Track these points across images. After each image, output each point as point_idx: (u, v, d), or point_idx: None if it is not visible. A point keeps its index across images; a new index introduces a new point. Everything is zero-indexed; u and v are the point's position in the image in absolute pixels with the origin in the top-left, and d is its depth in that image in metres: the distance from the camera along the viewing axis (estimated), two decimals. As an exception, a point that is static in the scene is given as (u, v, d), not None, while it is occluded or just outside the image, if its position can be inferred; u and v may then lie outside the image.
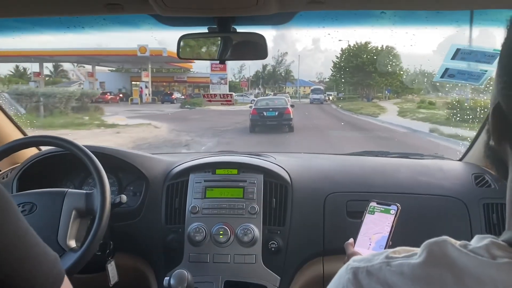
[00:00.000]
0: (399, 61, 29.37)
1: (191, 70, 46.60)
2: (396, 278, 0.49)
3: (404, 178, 1.70)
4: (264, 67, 63.21)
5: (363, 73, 33.92)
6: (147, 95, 34.47)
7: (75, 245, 1.29)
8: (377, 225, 1.09)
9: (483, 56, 1.42)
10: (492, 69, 1.42)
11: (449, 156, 2.09)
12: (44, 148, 1.82)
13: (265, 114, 14.28)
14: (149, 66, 35.40)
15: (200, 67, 37.91)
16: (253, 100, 29.59)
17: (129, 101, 32.83)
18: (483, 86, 1.49)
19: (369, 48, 35.60)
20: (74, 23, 1.37)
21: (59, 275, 0.65)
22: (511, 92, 0.49)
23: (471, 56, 1.44)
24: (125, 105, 29.16)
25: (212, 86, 31.45)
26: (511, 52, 0.50)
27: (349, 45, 37.74)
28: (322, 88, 40.02)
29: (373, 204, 1.13)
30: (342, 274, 0.56)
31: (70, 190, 1.37)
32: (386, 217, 1.10)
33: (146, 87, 35.22)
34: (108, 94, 34.12)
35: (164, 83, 46.96)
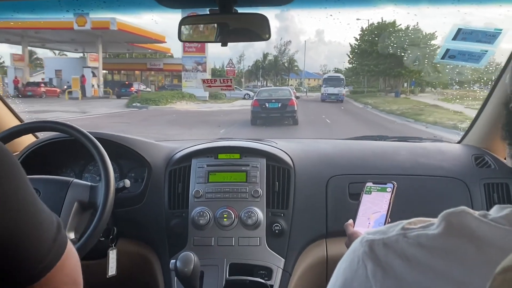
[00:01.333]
0: (429, 43, 23.99)
1: (168, 54, 37.63)
2: (415, 250, 0.48)
3: (404, 160, 1.71)
4: (265, 56, 56.79)
5: (392, 60, 25.72)
6: (95, 86, 26.48)
7: (73, 237, 1.28)
8: (375, 204, 1.10)
9: (484, 36, 1.42)
10: (493, 49, 1.43)
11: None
12: (40, 135, 1.81)
13: (267, 105, 13.42)
14: (100, 46, 27.28)
15: (180, 52, 28.08)
16: (247, 94, 26.49)
17: (65, 95, 23.98)
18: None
19: (397, 27, 28.38)
20: (74, 6, 1.35)
21: (64, 239, 0.67)
22: None
23: (472, 36, 1.44)
24: (61, 101, 21.91)
25: (186, 75, 25.16)
26: None
27: (372, 24, 30.24)
28: (342, 77, 26.29)
29: (369, 184, 1.14)
30: (356, 247, 0.54)
31: (75, 180, 1.36)
32: (383, 196, 1.10)
33: (95, 75, 26.65)
34: (42, 85, 25.34)
35: (136, 72, 37.86)
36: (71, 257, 0.69)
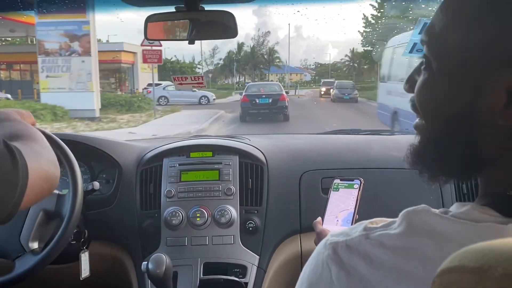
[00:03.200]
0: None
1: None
2: (377, 251, 0.48)
3: (376, 154, 1.74)
4: (240, 46, 48.64)
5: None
6: None
7: (37, 247, 1.25)
8: (342, 202, 1.10)
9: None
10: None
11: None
12: None
13: (257, 101, 12.95)
14: None
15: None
16: (204, 98, 21.22)
17: None
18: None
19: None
20: (45, 8, 1.31)
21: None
22: None
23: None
24: None
25: (45, 64, 13.43)
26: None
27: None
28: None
29: (336, 181, 1.14)
30: (320, 250, 0.55)
31: None
32: (350, 192, 1.11)
33: None
34: None
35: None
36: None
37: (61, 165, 1.64)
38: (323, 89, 28.13)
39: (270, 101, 12.97)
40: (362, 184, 1.09)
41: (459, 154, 0.51)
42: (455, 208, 0.50)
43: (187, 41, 1.34)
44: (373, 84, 27.84)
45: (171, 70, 33.30)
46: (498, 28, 0.45)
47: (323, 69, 54.89)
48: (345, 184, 1.12)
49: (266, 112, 12.79)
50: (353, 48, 49.97)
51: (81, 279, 1.43)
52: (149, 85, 21.23)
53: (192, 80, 1.77)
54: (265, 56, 50.19)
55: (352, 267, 0.49)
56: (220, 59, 50.74)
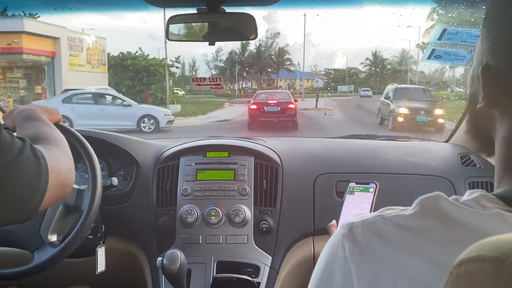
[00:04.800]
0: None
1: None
2: (391, 229, 0.51)
3: (392, 159, 1.73)
4: (244, 47, 40.73)
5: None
6: None
7: (55, 239, 1.28)
8: (357, 205, 1.10)
9: (469, 36, 1.44)
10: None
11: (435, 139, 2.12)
12: None
13: (266, 109, 12.75)
14: None
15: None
16: (148, 118, 12.34)
17: None
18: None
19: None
20: (61, 4, 1.35)
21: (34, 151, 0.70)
22: (500, 46, 0.50)
23: (457, 37, 1.46)
24: None
25: None
26: (500, 5, 0.52)
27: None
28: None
29: (352, 184, 1.14)
30: (338, 231, 0.57)
31: None
32: (365, 196, 1.11)
33: None
34: None
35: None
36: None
37: (81, 161, 1.69)
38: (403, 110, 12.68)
39: (279, 109, 12.79)
40: (377, 188, 1.10)
41: None
42: (466, 195, 0.53)
43: (207, 42, 1.37)
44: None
45: (131, 70, 22.74)
46: None
47: (337, 74, 48.42)
48: (360, 188, 1.12)
49: (275, 120, 12.66)
50: (376, 51, 46.08)
51: (97, 273, 1.46)
52: (67, 91, 13.85)
53: (210, 82, 1.79)
54: (274, 58, 41.32)
55: (366, 243, 0.52)
56: (221, 61, 42.61)
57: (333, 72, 50.14)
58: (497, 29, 0.52)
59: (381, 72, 43.51)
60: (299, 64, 41.93)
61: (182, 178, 1.59)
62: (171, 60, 23.82)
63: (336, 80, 44.86)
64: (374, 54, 44.94)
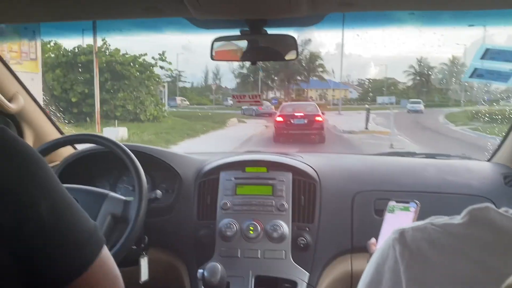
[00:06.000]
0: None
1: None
2: (440, 235, 0.54)
3: (431, 177, 1.71)
4: None
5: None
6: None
7: None
8: (398, 224, 1.10)
9: (513, 55, 1.42)
10: (522, 68, 1.42)
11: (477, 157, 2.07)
12: (79, 147, 1.90)
13: (292, 122, 12.47)
14: None
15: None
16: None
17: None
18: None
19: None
20: (114, 27, 1.44)
21: (100, 241, 0.70)
22: None
23: (500, 56, 1.44)
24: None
25: None
26: None
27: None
28: None
29: (392, 203, 1.14)
30: (389, 237, 0.60)
31: (111, 194, 1.43)
32: (406, 215, 1.10)
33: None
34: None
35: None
36: (109, 257, 0.73)
37: (126, 173, 1.77)
38: None
39: (306, 121, 12.46)
40: (418, 207, 1.10)
41: None
42: None
43: (250, 62, 1.42)
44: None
45: (85, 71, 15.48)
46: None
47: (375, 85, 43.40)
48: (400, 207, 1.12)
49: (302, 133, 12.29)
50: (421, 58, 40.13)
51: (140, 282, 1.51)
52: None
53: (250, 98, 1.84)
54: (304, 64, 35.03)
55: (415, 247, 0.55)
56: (242, 67, 36.07)
57: (367, 82, 46.55)
58: None
59: (426, 82, 37.58)
60: (333, 72, 36.70)
61: (222, 192, 1.63)
62: (153, 58, 16.76)
63: (372, 90, 41.22)
64: (420, 62, 40.01)
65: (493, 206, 0.55)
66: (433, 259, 0.52)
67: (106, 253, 0.71)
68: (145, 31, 1.52)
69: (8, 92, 1.63)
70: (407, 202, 1.13)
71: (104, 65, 15.74)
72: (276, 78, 35.44)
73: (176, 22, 1.40)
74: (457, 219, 0.56)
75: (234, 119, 19.67)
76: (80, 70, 15.83)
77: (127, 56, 16.36)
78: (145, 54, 16.62)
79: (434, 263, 0.52)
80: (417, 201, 1.12)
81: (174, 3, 1.14)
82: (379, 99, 32.09)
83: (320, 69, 35.87)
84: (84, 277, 0.66)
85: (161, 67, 17.18)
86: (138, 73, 16.16)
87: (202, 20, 1.30)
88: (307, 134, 12.31)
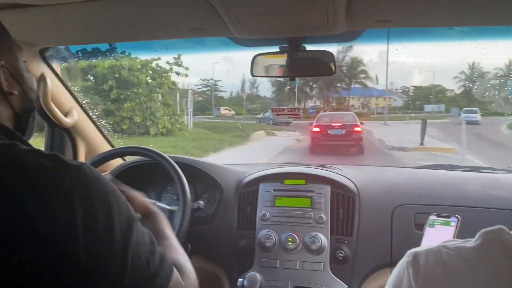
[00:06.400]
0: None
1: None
2: (453, 258, 0.55)
3: (474, 192, 1.67)
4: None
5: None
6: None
7: None
8: (438, 239, 1.10)
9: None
10: None
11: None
12: (127, 158, 2.01)
13: (330, 132, 12.11)
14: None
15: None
16: None
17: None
18: None
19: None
20: (161, 46, 1.54)
21: (170, 267, 0.72)
22: None
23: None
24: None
25: None
26: None
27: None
28: None
29: (432, 217, 1.14)
30: (403, 259, 0.62)
31: (157, 203, 1.49)
32: (446, 230, 1.10)
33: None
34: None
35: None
36: (179, 281, 0.74)
37: (171, 183, 1.85)
38: None
39: (344, 132, 12.04)
40: (459, 222, 1.09)
41: None
42: None
43: (288, 78, 1.46)
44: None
45: (113, 77, 13.01)
46: None
47: (421, 92, 39.88)
48: (441, 221, 1.12)
49: (340, 143, 11.78)
50: (473, 63, 36.11)
51: None
52: None
53: (289, 112, 1.88)
54: (345, 70, 32.27)
55: (428, 270, 0.56)
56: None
57: (412, 89, 43.08)
58: None
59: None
60: (377, 78, 33.45)
61: (261, 203, 1.67)
62: (167, 62, 14.07)
63: (418, 98, 38.46)
64: (471, 67, 36.38)
65: (506, 228, 0.55)
66: (445, 284, 0.54)
67: (176, 278, 0.73)
68: (188, 51, 1.60)
69: (64, 107, 1.76)
70: (448, 217, 1.12)
71: (106, 70, 12.99)
72: (314, 86, 33.21)
73: (217, 40, 1.47)
74: (471, 242, 0.56)
75: (261, 132, 16.62)
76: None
77: (137, 60, 13.39)
78: (159, 59, 14.13)
79: (446, 287, 0.53)
80: (458, 216, 1.11)
81: (217, 25, 1.21)
82: (427, 107, 29.78)
83: (363, 75, 32.97)
84: None
85: (177, 73, 14.33)
86: (150, 80, 13.93)
87: (243, 38, 1.37)
88: (345, 145, 11.85)
